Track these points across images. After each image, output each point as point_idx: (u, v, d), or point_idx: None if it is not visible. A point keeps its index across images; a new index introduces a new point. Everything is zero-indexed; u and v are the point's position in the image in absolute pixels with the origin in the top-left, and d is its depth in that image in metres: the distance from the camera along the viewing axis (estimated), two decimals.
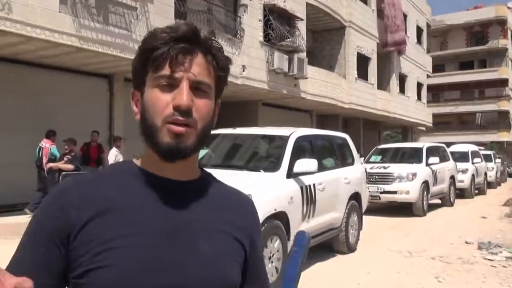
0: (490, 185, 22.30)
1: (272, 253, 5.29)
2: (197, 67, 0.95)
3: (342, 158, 7.86)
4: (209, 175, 1.10)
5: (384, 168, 12.55)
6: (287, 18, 15.94)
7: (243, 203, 1.12)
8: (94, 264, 0.89)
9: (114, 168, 1.09)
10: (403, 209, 12.47)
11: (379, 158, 14.03)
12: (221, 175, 4.81)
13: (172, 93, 0.93)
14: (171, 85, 0.94)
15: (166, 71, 0.93)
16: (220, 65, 1.00)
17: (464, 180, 17.11)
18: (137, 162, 1.04)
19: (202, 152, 6.72)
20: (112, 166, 1.15)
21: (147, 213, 0.95)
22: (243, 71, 13.55)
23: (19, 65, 10.39)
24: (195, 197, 1.01)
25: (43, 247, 0.92)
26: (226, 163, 6.32)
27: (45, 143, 9.28)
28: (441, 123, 44.16)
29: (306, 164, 5.94)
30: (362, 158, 13.33)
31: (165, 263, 0.92)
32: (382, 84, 24.40)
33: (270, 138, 6.79)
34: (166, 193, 0.98)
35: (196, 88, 0.95)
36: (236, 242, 1.02)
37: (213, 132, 5.66)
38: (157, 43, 0.95)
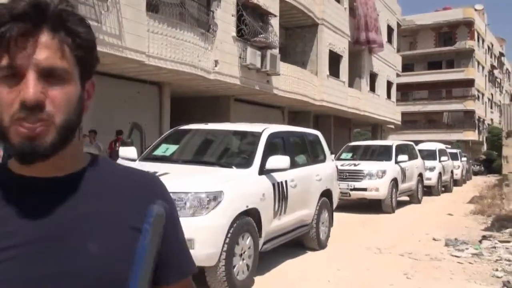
0: (456, 182, 22.77)
1: (243, 250, 5.22)
2: (45, 51, 0.78)
3: (314, 155, 7.86)
4: (100, 161, 0.95)
5: (355, 165, 12.65)
6: (261, 14, 15.89)
7: (144, 184, 0.96)
8: None
9: None
10: (372, 206, 12.60)
11: (349, 155, 14.14)
12: (192, 170, 4.66)
13: (19, 86, 0.77)
14: (16, 76, 0.78)
15: (5, 60, 0.77)
16: (77, 43, 0.82)
17: (431, 178, 17.43)
18: (9, 163, 0.88)
19: (172, 148, 6.60)
20: None
21: (17, 223, 0.81)
22: (216, 66, 13.43)
23: None
24: (77, 193, 0.86)
25: None
26: (198, 159, 6.21)
27: None
28: (410, 122, 44.92)
29: (279, 160, 5.89)
30: (333, 155, 13.40)
31: (41, 276, 0.80)
32: (353, 82, 24.63)
33: (243, 134, 6.72)
34: (39, 195, 0.84)
35: (49, 75, 0.79)
36: (135, 231, 0.87)
37: (185, 127, 5.46)
38: None
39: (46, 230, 0.82)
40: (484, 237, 8.67)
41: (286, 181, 6.25)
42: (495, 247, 7.83)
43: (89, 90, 0.90)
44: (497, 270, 6.40)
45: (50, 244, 0.81)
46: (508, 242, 8.14)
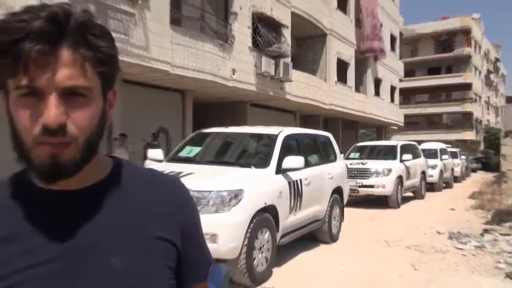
0: (456, 179, 22.42)
1: (262, 244, 5.16)
2: (66, 69, 0.69)
3: (326, 155, 7.76)
4: (123, 167, 0.86)
5: (362, 164, 12.50)
6: (274, 26, 15.80)
7: (169, 189, 0.88)
8: None
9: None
10: (379, 202, 12.44)
11: (357, 155, 13.98)
12: (214, 171, 4.62)
13: (39, 106, 0.69)
14: (37, 95, 0.69)
15: (24, 80, 0.68)
16: (98, 58, 0.73)
17: (433, 175, 17.15)
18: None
19: (195, 149, 6.57)
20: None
21: (41, 239, 0.74)
22: (233, 74, 13.38)
23: None
24: (100, 205, 0.79)
25: None
26: (219, 160, 6.16)
27: None
28: (412, 123, 44.40)
29: (294, 161, 5.82)
30: (342, 155, 13.26)
31: None
32: (359, 87, 24.39)
33: (260, 137, 6.65)
34: (63, 209, 0.76)
35: (71, 93, 0.70)
36: (160, 241, 0.81)
37: (207, 130, 5.39)
38: (4, 44, 0.67)
39: (69, 247, 0.74)
40: (486, 231, 8.48)
41: (300, 180, 6.18)
42: (496, 240, 7.64)
43: (111, 99, 0.82)
44: (499, 262, 6.24)
45: (73, 261, 0.74)
46: (509, 235, 7.94)
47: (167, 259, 0.82)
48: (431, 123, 47.72)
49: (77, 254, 0.74)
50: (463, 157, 25.97)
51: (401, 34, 31.85)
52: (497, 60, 61.83)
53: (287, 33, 16.44)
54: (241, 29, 13.99)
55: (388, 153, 13.42)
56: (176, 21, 11.46)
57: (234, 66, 13.39)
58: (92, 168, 0.79)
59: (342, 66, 21.68)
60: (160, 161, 6.23)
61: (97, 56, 0.73)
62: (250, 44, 14.39)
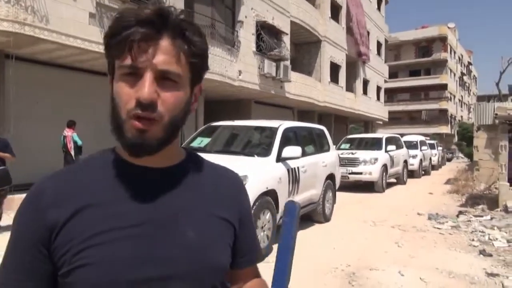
0: (434, 167, 22.23)
1: (264, 224, 5.05)
2: (163, 55, 0.70)
3: (320, 145, 7.62)
4: (194, 156, 0.87)
5: (352, 154, 12.34)
6: (275, 33, 15.57)
7: (230, 179, 0.89)
8: (76, 262, 0.69)
9: (92, 158, 0.81)
10: (366, 187, 12.31)
11: (347, 146, 13.82)
12: (222, 159, 4.44)
13: (136, 84, 0.69)
14: (136, 74, 0.70)
15: (128, 60, 0.69)
16: (192, 51, 0.73)
17: (414, 164, 16.99)
18: (118, 150, 0.79)
19: (206, 140, 6.44)
20: (90, 156, 0.84)
21: (127, 206, 0.73)
22: (239, 75, 13.20)
23: (56, 68, 9.96)
24: (178, 183, 0.78)
25: (25, 253, 0.72)
26: (226, 149, 6.04)
27: (67, 132, 8.65)
28: (395, 118, 43.99)
29: (292, 150, 5.69)
30: (334, 146, 13.09)
31: (148, 256, 0.71)
32: (350, 87, 24.13)
33: (263, 129, 6.52)
34: (147, 182, 0.76)
35: (164, 77, 0.70)
36: (224, 222, 0.81)
37: (216, 123, 5.22)
38: (117, 29, 0.70)
39: (151, 216, 0.73)
40: (460, 212, 8.34)
41: (298, 167, 6.05)
42: (470, 221, 7.50)
43: (197, 93, 0.82)
44: (473, 240, 6.11)
45: (154, 228, 0.73)
46: (481, 216, 7.80)
47: (228, 237, 0.81)
48: (412, 118, 47.35)
49: (157, 222, 0.73)
50: (439, 148, 25.73)
51: (386, 40, 31.47)
52: (469, 64, 61.15)
53: (286, 39, 16.21)
54: (246, 36, 13.78)
55: (375, 144, 13.26)
56: None
57: (240, 68, 13.20)
58: (172, 151, 0.80)
59: (334, 68, 21.42)
60: None
61: (191, 49, 0.73)
62: (254, 49, 14.19)
